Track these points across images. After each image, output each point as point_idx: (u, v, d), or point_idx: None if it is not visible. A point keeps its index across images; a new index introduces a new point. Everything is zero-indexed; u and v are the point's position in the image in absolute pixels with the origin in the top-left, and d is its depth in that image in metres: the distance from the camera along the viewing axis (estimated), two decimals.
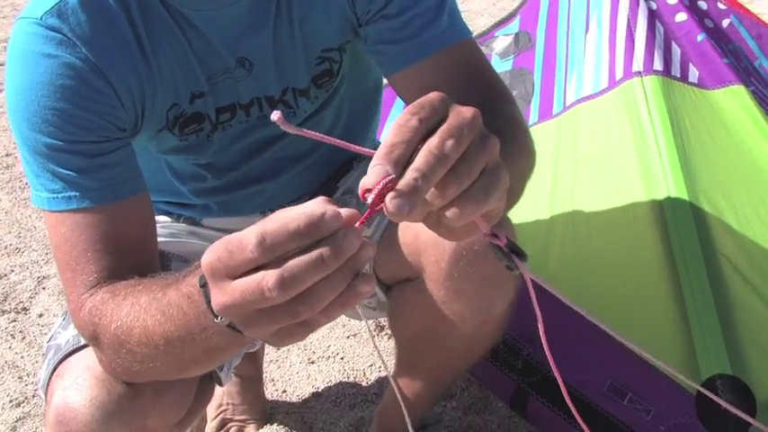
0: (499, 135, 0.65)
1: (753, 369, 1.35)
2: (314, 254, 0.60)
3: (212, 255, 0.64)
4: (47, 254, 2.31)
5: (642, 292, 1.46)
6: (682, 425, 1.37)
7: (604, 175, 1.61)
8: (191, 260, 1.24)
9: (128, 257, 1.01)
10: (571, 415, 1.34)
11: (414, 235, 1.13)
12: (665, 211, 1.48)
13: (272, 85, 1.15)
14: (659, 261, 1.46)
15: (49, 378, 1.08)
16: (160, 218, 1.32)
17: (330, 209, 0.61)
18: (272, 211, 1.33)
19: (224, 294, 0.63)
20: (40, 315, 2.04)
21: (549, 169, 1.67)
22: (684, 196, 1.48)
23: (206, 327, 0.78)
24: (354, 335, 1.88)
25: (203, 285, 0.75)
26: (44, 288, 2.15)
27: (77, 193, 1.00)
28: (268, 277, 0.60)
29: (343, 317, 1.87)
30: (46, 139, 0.99)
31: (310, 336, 1.92)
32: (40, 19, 0.99)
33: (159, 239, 1.25)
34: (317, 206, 0.61)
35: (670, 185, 1.51)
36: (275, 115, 0.61)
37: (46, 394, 1.09)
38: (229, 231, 1.34)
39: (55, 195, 1.00)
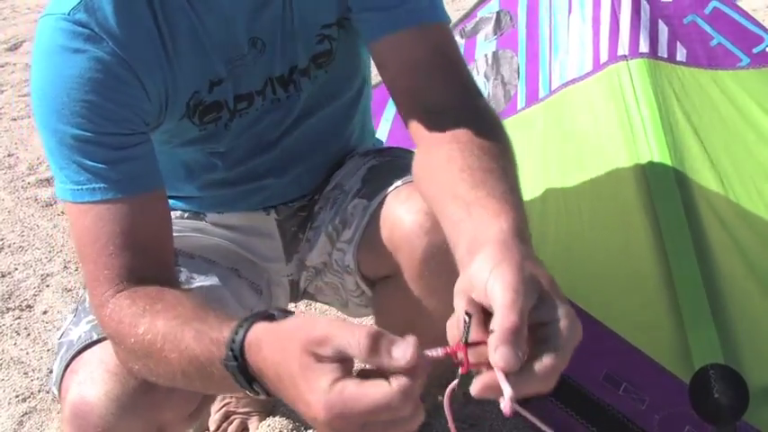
0: (490, 143, 0.84)
1: (745, 358, 1.37)
2: None
3: (329, 395, 0.71)
4: (50, 252, 2.33)
5: (635, 281, 1.48)
6: (676, 414, 1.39)
7: (593, 159, 1.62)
8: (195, 256, 1.27)
9: (148, 254, 1.04)
10: (567, 404, 1.38)
11: (389, 232, 1.16)
12: (653, 192, 1.50)
13: (280, 64, 1.18)
14: (650, 248, 1.48)
15: (62, 374, 1.10)
16: None
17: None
18: (274, 208, 1.36)
19: (344, 407, 0.71)
20: (45, 312, 2.06)
21: (539, 154, 1.69)
22: (672, 176, 1.50)
23: (229, 384, 0.85)
24: (344, 319, 1.89)
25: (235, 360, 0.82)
26: (48, 286, 2.18)
27: (102, 185, 1.02)
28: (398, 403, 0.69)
29: (340, 314, 1.89)
30: (74, 131, 1.01)
31: None
32: (68, 14, 1.01)
33: None
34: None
35: (656, 166, 1.53)
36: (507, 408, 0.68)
37: (60, 390, 1.10)
38: (232, 228, 1.37)
39: (80, 187, 1.03)
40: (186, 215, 1.36)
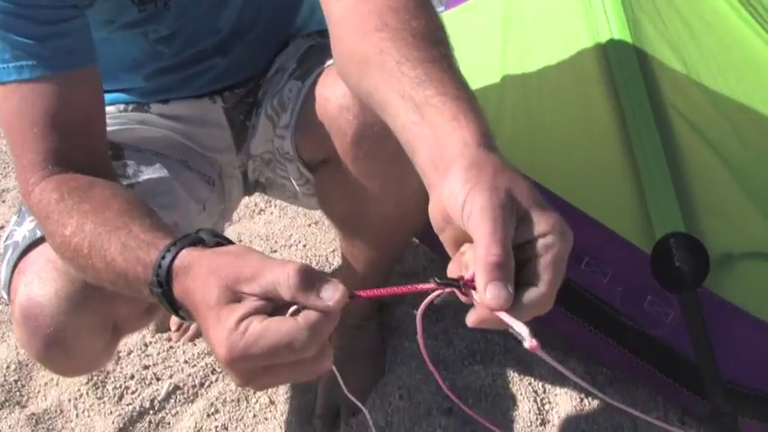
0: (425, 26, 0.79)
1: (706, 226, 1.36)
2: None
3: (232, 336, 0.67)
4: (5, 168, 2.28)
5: (594, 154, 1.46)
6: (638, 285, 1.39)
7: (553, 40, 1.59)
8: (142, 149, 1.23)
9: (77, 138, 1.00)
10: None
11: (320, 115, 1.13)
12: (613, 67, 1.47)
13: None
14: (610, 120, 1.45)
15: (11, 277, 1.08)
16: (109, 109, 1.29)
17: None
18: (221, 95, 1.31)
19: (245, 374, 0.69)
20: (1, 227, 2.02)
21: (497, 37, 1.64)
22: (632, 52, 1.47)
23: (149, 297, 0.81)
24: (316, 222, 1.88)
25: (159, 283, 0.77)
26: (4, 201, 2.13)
27: (30, 62, 0.97)
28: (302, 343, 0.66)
29: (301, 209, 1.87)
30: None
31: (272, 226, 1.92)
32: None
33: (109, 129, 1.23)
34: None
35: (617, 44, 1.49)
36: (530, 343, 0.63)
37: (9, 294, 1.08)
38: (178, 118, 1.33)
39: (6, 65, 0.97)
40: (131, 107, 1.32)
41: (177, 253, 0.77)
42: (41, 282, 1.03)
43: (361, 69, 0.87)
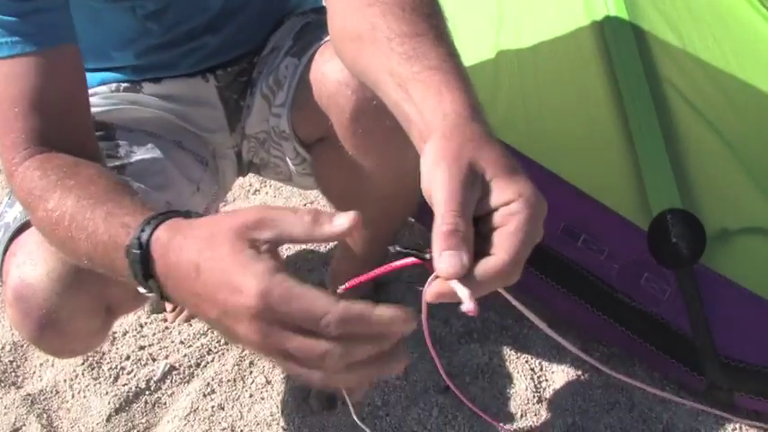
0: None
1: (702, 202, 1.36)
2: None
3: (269, 281, 0.64)
4: None
5: (591, 131, 1.46)
6: (635, 262, 1.39)
7: (548, 17, 1.57)
8: (134, 129, 1.22)
9: (59, 117, 0.98)
10: (529, 262, 1.36)
11: (317, 91, 1.12)
12: (609, 44, 1.46)
13: None
14: (606, 97, 1.45)
15: (2, 259, 1.06)
16: (100, 89, 1.28)
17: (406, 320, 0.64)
18: (214, 74, 1.30)
19: (267, 335, 0.64)
20: None
21: (494, 14, 1.62)
22: (629, 28, 1.46)
23: (126, 276, 0.78)
24: (311, 202, 1.88)
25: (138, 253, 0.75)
26: None
27: (12, 39, 0.95)
28: (331, 355, 0.63)
29: (296, 189, 1.86)
30: None
31: None
32: None
33: (100, 110, 1.22)
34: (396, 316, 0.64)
35: (612, 18, 1.48)
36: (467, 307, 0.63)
37: (1, 276, 1.07)
38: (171, 98, 1.31)
39: None
40: (122, 87, 1.30)
41: (166, 219, 0.76)
42: (33, 263, 1.01)
43: (355, 47, 0.87)
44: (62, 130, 0.97)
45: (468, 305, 0.62)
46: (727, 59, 1.47)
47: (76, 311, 1.03)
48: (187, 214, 0.79)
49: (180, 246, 0.72)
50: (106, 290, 1.04)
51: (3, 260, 1.06)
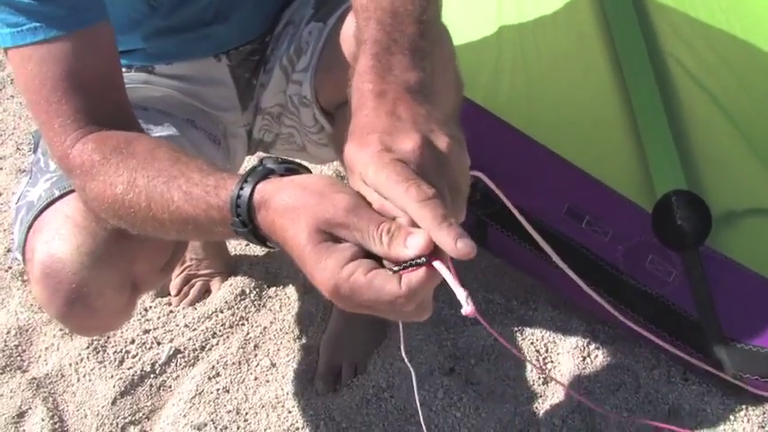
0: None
1: (708, 183, 1.35)
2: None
3: (337, 278, 0.69)
4: (1, 135, 2.26)
5: (593, 110, 1.44)
6: (640, 244, 1.38)
7: None
8: (149, 108, 1.22)
9: (100, 94, 0.98)
10: (532, 242, 1.36)
11: (347, 53, 1.11)
12: (610, 19, 1.44)
13: None
14: (608, 74, 1.43)
15: (26, 237, 1.06)
16: None
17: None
18: (226, 54, 1.29)
19: (345, 306, 0.71)
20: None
21: None
22: (629, 2, 1.44)
23: (230, 234, 0.81)
24: None
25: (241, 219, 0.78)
26: (1, 168, 2.11)
27: (42, 24, 0.95)
28: (408, 313, 0.70)
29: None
30: None
31: None
32: None
33: None
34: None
35: None
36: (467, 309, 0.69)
37: (24, 254, 1.07)
38: (183, 78, 1.30)
39: (19, 29, 0.95)
40: (133, 68, 1.30)
41: (252, 190, 0.78)
42: (62, 238, 1.02)
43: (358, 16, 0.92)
44: (106, 107, 0.98)
45: (467, 308, 0.68)
46: (734, 31, 1.43)
47: (105, 286, 1.04)
48: (267, 169, 0.81)
49: (272, 221, 0.76)
50: (133, 265, 1.06)
51: (26, 239, 1.06)
